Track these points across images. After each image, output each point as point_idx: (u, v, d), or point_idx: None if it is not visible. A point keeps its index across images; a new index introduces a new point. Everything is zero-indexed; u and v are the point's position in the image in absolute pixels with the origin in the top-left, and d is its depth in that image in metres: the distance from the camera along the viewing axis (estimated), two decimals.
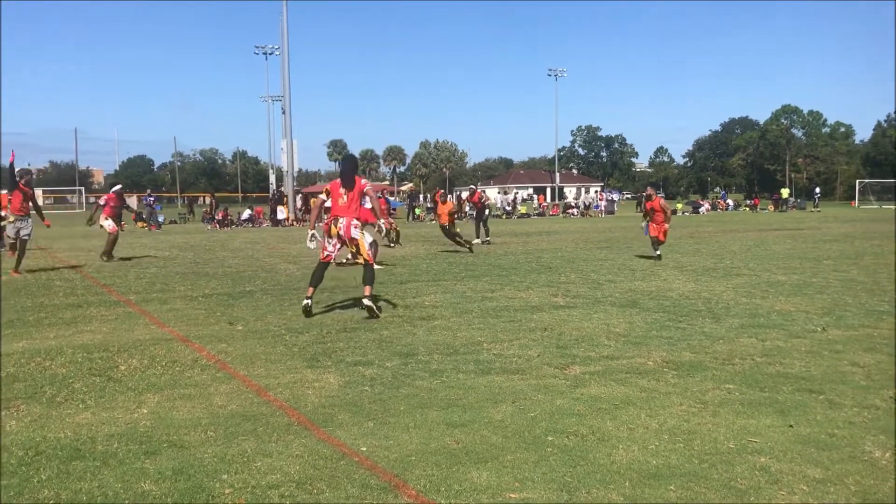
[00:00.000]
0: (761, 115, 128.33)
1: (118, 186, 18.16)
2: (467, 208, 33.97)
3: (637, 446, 4.34)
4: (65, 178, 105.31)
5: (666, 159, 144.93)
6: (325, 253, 9.02)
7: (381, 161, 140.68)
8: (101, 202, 17.94)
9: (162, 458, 4.21)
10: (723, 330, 7.77)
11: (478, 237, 21.80)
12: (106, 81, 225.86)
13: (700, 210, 52.43)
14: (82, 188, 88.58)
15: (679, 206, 55.70)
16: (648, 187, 17.30)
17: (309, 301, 8.80)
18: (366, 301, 8.66)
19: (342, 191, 8.98)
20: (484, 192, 29.17)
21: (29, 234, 13.54)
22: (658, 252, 15.56)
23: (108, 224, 16.72)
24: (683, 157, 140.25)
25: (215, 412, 5.06)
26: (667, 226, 15.76)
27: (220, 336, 7.69)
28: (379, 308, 8.91)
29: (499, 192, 65.72)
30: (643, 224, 16.80)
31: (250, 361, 6.54)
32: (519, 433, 4.56)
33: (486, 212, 23.19)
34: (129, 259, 16.89)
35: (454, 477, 3.90)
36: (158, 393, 5.53)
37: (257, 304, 9.89)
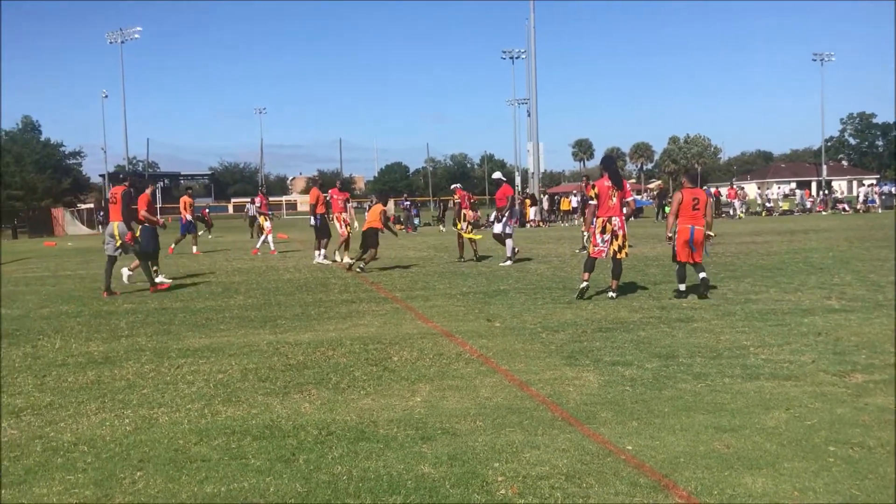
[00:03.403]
0: None
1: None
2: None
3: None
4: (329, 184, 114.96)
5: None
6: (597, 249, 10.12)
7: (628, 158, 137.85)
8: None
9: (437, 443, 4.50)
10: None
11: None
12: (366, 94, 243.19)
13: None
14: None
15: None
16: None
17: (586, 283, 10.15)
18: (612, 294, 10.09)
19: (612, 192, 9.99)
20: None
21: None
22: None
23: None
24: None
25: (482, 403, 5.30)
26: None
27: (479, 332, 8.02)
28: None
29: (759, 189, 61.73)
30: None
31: (510, 357, 6.77)
32: (795, 441, 4.31)
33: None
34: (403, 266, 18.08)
35: (727, 481, 3.77)
36: (429, 383, 5.91)
37: (512, 302, 10.17)
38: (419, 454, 4.33)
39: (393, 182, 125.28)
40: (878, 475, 3.79)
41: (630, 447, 4.32)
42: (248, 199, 34.12)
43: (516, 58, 66.18)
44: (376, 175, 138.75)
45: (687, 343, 7.15)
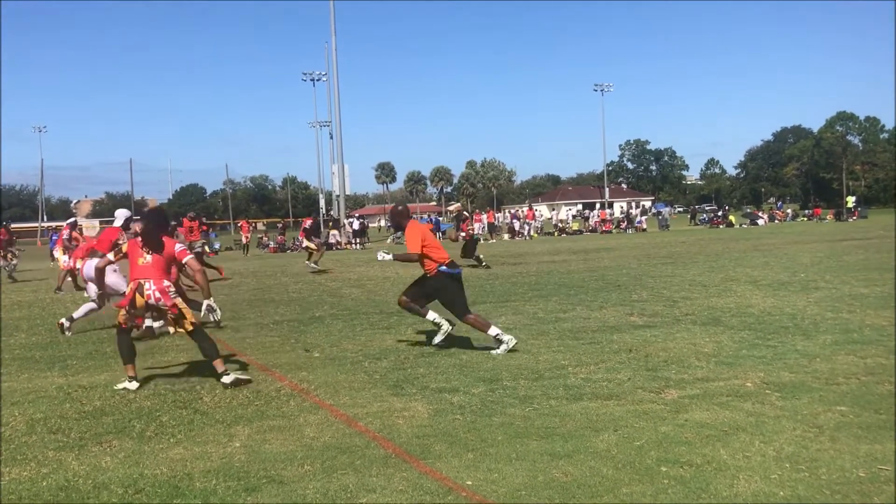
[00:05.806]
0: (814, 124, 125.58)
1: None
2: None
3: (758, 476, 4.08)
4: (120, 207, 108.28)
5: (717, 171, 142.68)
6: None
7: (429, 182, 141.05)
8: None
9: (263, 494, 4.09)
10: (817, 347, 7.43)
11: None
12: (158, 113, 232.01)
13: (759, 222, 51.20)
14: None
15: (733, 218, 54.43)
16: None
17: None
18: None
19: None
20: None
21: None
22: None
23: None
24: (735, 168, 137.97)
25: (308, 444, 4.94)
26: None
27: (298, 364, 7.60)
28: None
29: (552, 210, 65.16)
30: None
31: (334, 390, 6.43)
32: (629, 463, 4.34)
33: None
34: None
35: None
36: (248, 425, 5.44)
37: (329, 329, 9.82)
38: None
39: (189, 205, 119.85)
40: (710, 493, 3.87)
41: (470, 482, 4.15)
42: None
43: (317, 80, 65.74)
44: (171, 197, 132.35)
45: (508, 365, 7.17)
